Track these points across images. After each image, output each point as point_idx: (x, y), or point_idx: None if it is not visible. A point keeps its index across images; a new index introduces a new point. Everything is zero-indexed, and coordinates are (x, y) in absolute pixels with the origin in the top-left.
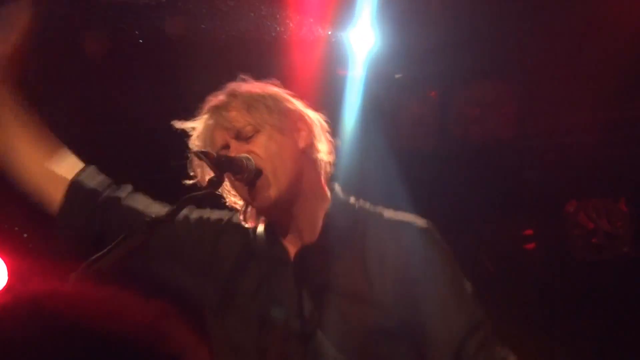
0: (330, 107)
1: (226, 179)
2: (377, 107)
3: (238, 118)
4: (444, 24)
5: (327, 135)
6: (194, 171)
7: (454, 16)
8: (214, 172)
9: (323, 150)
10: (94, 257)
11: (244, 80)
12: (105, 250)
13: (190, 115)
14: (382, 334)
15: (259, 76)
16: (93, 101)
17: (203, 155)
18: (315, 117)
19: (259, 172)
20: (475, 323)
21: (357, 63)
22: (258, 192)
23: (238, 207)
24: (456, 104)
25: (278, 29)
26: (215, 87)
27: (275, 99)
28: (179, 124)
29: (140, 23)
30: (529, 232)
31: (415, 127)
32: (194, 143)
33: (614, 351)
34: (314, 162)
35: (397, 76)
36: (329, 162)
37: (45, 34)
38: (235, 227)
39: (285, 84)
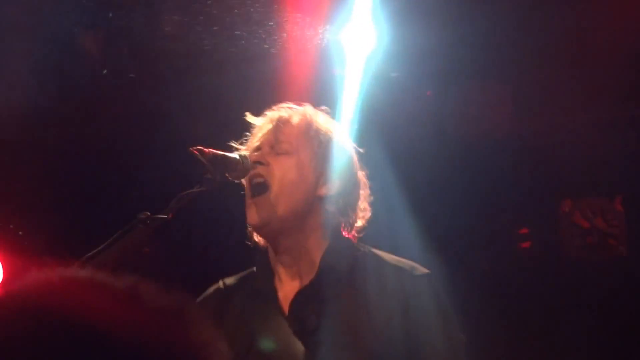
0: (326, 106)
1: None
2: (373, 106)
3: (286, 131)
4: (439, 23)
5: (364, 201)
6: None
7: (449, 16)
8: (209, 170)
9: (344, 210)
10: (90, 254)
11: (321, 110)
12: (102, 246)
13: (188, 115)
14: None
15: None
16: (89, 98)
17: (199, 152)
18: (360, 180)
19: (265, 187)
20: None
21: (354, 63)
22: (259, 207)
23: None
24: (452, 103)
25: (274, 27)
26: (210, 86)
27: (332, 140)
28: (250, 117)
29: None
30: (524, 231)
31: (410, 126)
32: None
33: (609, 350)
34: (325, 211)
35: (393, 75)
36: (353, 223)
37: (42, 32)
38: (235, 285)
39: (282, 83)
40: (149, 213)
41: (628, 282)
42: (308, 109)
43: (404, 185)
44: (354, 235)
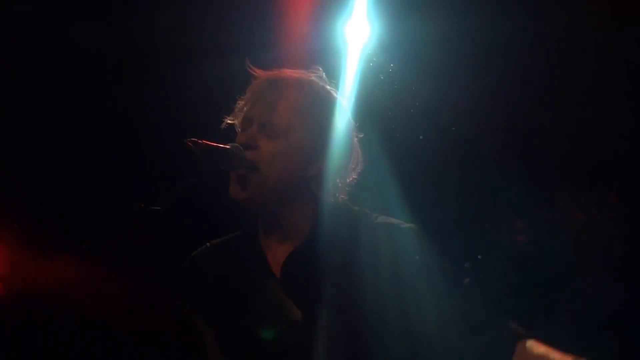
0: None
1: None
2: (369, 99)
3: (280, 110)
4: (436, 17)
5: (353, 173)
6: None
7: (445, 10)
8: (202, 161)
9: (332, 185)
10: (86, 244)
11: (318, 72)
12: (98, 237)
13: (186, 108)
14: (376, 339)
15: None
16: (82, 92)
17: (192, 143)
18: (352, 152)
19: (253, 168)
20: (476, 326)
21: (351, 55)
22: (248, 187)
23: None
24: (447, 96)
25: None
26: (210, 75)
27: (325, 116)
28: (250, 68)
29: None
30: (519, 224)
31: (406, 119)
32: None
33: (605, 346)
34: (314, 188)
35: (390, 67)
36: (336, 193)
37: (36, 27)
38: (222, 247)
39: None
40: (143, 205)
41: (625, 277)
42: (307, 79)
43: (399, 178)
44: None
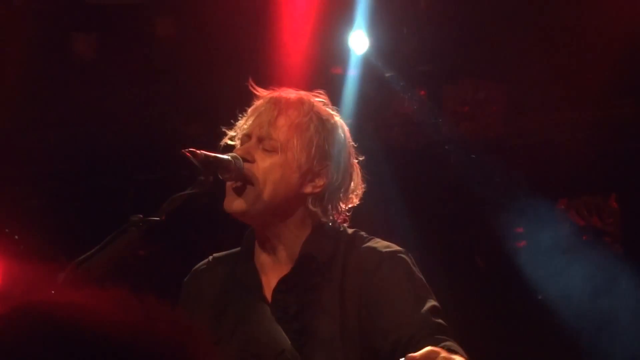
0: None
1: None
2: (367, 106)
3: (279, 125)
4: (433, 23)
5: (352, 195)
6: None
7: (442, 16)
8: (202, 171)
9: (329, 206)
10: (82, 257)
11: (318, 96)
12: (94, 250)
13: (184, 117)
14: None
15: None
16: (82, 101)
17: (191, 154)
18: (352, 174)
19: (248, 181)
20: (429, 326)
21: (351, 63)
22: (241, 198)
23: None
24: (445, 103)
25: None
26: (210, 84)
27: (326, 137)
28: (253, 87)
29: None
30: (519, 230)
31: (404, 125)
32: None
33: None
34: (309, 206)
35: (387, 75)
36: (339, 215)
37: (34, 35)
38: (216, 265)
39: (281, 82)
40: (141, 215)
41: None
42: (308, 100)
43: (399, 184)
44: (343, 218)
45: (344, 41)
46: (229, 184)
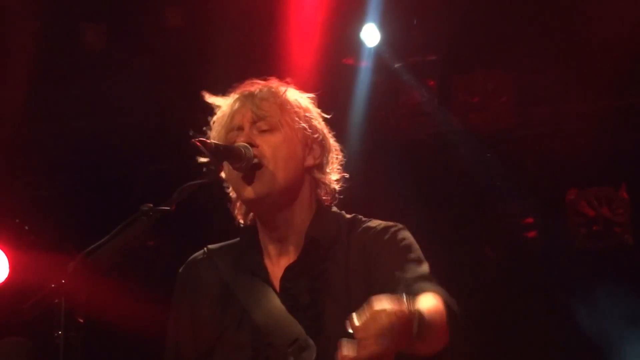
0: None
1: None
2: (377, 96)
3: (266, 107)
4: (443, 14)
5: (338, 165)
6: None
7: (452, 6)
8: (211, 160)
9: (328, 177)
10: (92, 247)
11: (287, 83)
12: (103, 239)
13: (191, 107)
14: None
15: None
16: (92, 92)
17: (200, 143)
18: (333, 145)
19: (259, 166)
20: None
21: (362, 53)
22: (256, 182)
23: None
24: (455, 93)
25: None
26: (219, 77)
27: (307, 111)
28: (208, 97)
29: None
30: (529, 220)
31: (414, 115)
32: (216, 120)
33: (613, 337)
34: (315, 183)
35: (397, 65)
36: (333, 190)
37: (44, 25)
38: (213, 256)
39: (293, 72)
40: (151, 205)
41: (633, 270)
42: (276, 84)
43: (408, 174)
44: (333, 200)
45: (356, 33)
46: (237, 175)
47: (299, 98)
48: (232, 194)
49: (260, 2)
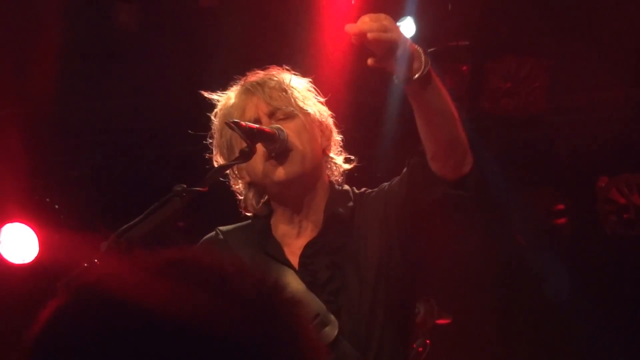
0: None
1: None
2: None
3: (278, 97)
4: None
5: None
6: (216, 145)
7: None
8: (246, 142)
9: (337, 158)
10: (125, 226)
11: (287, 70)
12: (137, 219)
13: (224, 88)
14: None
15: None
16: (123, 73)
17: (235, 125)
18: (333, 129)
19: (289, 148)
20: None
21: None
22: (287, 163)
23: (239, 192)
24: (487, 78)
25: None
26: (253, 57)
27: (314, 96)
28: (207, 94)
29: None
30: (560, 207)
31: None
32: (223, 113)
33: None
34: (328, 164)
35: (430, 50)
36: (343, 170)
37: (77, 4)
38: (234, 234)
39: (325, 61)
40: (185, 185)
41: None
42: (277, 71)
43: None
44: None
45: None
46: (265, 158)
47: (303, 83)
48: (243, 184)
49: None
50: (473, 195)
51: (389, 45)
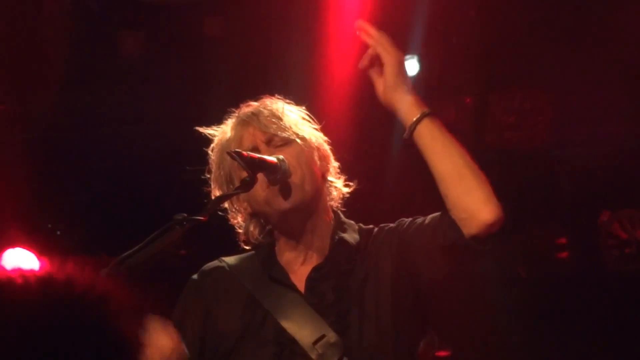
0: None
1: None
2: None
3: (273, 124)
4: (480, 32)
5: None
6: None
7: (491, 25)
8: (247, 171)
9: (336, 182)
10: (126, 254)
11: (279, 99)
12: (137, 247)
13: (228, 117)
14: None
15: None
16: (128, 100)
17: (236, 155)
18: (329, 152)
19: (290, 174)
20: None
21: None
22: (289, 191)
23: (238, 226)
24: (491, 111)
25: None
26: (259, 86)
27: (307, 121)
28: (202, 130)
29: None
30: (562, 241)
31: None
32: (220, 148)
33: None
34: (327, 188)
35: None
36: (341, 194)
37: (82, 32)
38: (229, 265)
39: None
40: (185, 214)
41: None
42: (271, 101)
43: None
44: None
45: None
46: (268, 188)
47: (297, 111)
48: (243, 216)
49: (301, 22)
50: (489, 249)
51: (395, 62)
